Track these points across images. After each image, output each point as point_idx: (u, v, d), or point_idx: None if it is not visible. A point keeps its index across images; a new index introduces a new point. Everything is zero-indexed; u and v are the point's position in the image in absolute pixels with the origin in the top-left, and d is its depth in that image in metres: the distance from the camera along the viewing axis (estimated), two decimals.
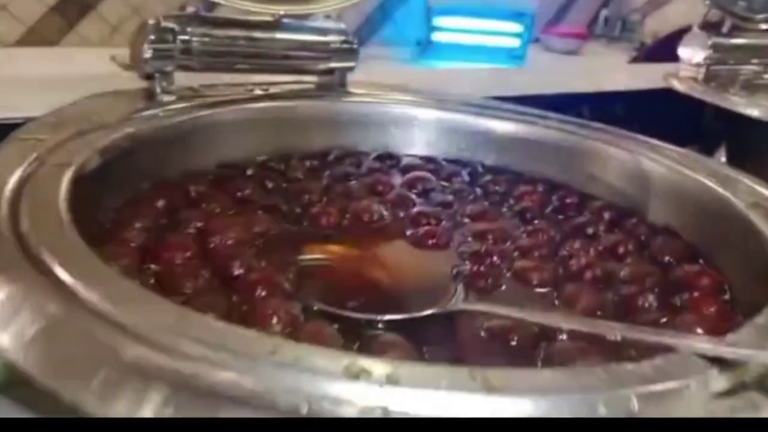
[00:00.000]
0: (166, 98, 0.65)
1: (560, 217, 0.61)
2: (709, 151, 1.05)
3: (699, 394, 0.28)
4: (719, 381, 0.29)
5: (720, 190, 0.55)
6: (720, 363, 0.30)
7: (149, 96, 0.66)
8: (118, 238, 0.48)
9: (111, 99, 0.64)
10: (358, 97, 0.77)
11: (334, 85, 0.77)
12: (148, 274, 0.44)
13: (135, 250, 0.47)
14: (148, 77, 0.65)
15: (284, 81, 0.75)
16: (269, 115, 0.70)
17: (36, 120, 0.55)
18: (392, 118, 0.75)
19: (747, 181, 0.55)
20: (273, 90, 0.73)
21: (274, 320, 0.39)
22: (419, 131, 0.75)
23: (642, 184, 0.63)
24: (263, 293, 0.42)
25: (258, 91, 0.72)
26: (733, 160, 1.01)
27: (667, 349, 0.30)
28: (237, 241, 0.49)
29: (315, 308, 0.42)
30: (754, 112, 0.93)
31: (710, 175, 0.57)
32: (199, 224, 0.51)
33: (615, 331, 0.34)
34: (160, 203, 0.55)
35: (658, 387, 0.28)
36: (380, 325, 0.41)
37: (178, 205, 0.55)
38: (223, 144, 0.66)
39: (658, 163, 0.62)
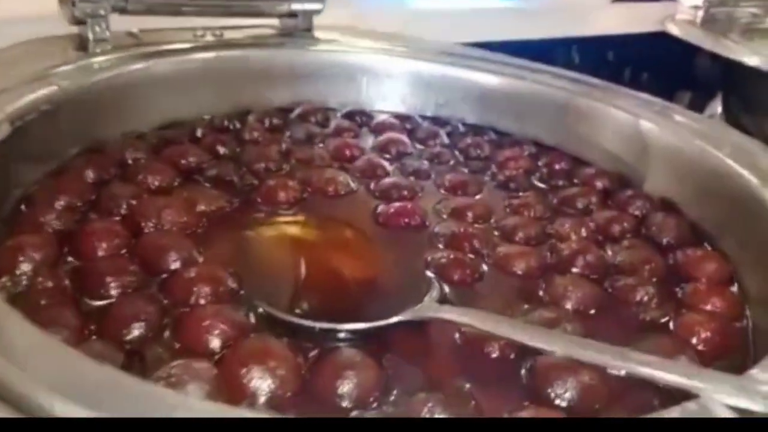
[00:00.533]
0: (100, 47, 0.56)
1: (548, 187, 0.55)
2: (702, 101, 0.99)
3: None
4: None
5: (731, 162, 0.48)
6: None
7: (81, 45, 0.57)
8: (33, 222, 0.41)
9: (35, 48, 0.55)
10: (325, 44, 0.68)
11: (298, 30, 0.69)
12: (66, 271, 0.37)
13: (52, 238, 0.39)
14: (78, 22, 0.56)
15: (240, 25, 0.66)
16: (222, 65, 0.62)
17: None
18: (363, 69, 0.67)
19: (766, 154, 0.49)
20: (227, 36, 0.65)
21: (212, 335, 0.33)
22: (393, 84, 0.67)
23: (640, 150, 0.56)
24: (201, 297, 0.36)
25: (209, 37, 0.63)
26: (729, 113, 0.95)
27: (684, 394, 0.25)
28: (175, 226, 0.42)
29: (260, 311, 0.35)
30: (753, 61, 0.85)
31: (721, 144, 0.50)
32: (133, 202, 0.44)
33: (617, 362, 0.28)
34: (89, 175, 0.47)
35: None
36: (340, 335, 0.35)
37: (111, 177, 0.48)
38: (167, 101, 0.58)
39: (660, 126, 0.55)
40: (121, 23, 0.59)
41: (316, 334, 0.34)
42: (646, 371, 0.26)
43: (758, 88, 0.86)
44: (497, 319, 0.33)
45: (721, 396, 0.24)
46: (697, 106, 0.94)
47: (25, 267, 0.36)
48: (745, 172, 0.47)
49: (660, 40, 0.92)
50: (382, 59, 0.67)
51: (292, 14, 0.68)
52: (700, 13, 0.94)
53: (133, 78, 0.55)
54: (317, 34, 0.69)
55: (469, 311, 0.35)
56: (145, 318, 0.33)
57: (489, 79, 0.65)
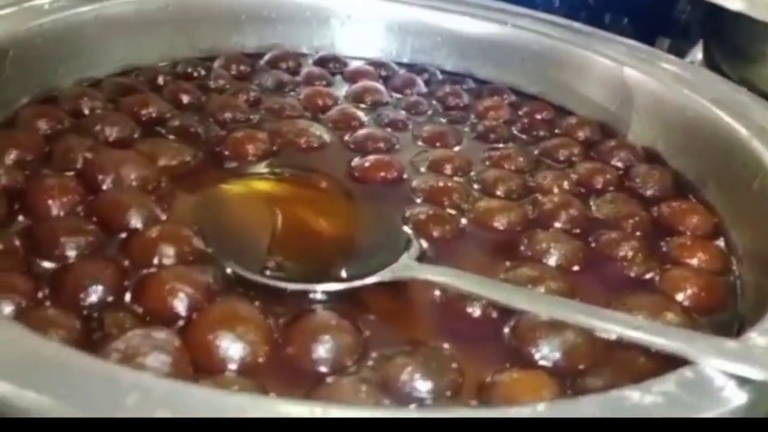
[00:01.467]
0: None
1: (529, 138, 0.53)
2: (683, 47, 0.97)
3: None
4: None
5: (718, 111, 0.47)
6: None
7: None
8: None
9: None
10: None
11: None
12: (16, 230, 0.35)
13: (1, 196, 0.36)
14: None
15: None
16: (185, 6, 0.58)
17: None
18: (337, 13, 0.63)
19: (757, 103, 0.47)
20: None
21: (176, 298, 0.30)
22: (368, 29, 0.63)
23: (624, 99, 0.54)
24: (165, 258, 0.33)
25: None
26: (710, 60, 0.93)
27: (678, 360, 0.23)
28: (135, 181, 0.39)
29: (228, 271, 0.33)
30: (736, 6, 0.83)
31: (708, 93, 0.49)
32: (89, 156, 0.41)
33: (607, 325, 0.26)
34: (41, 126, 0.44)
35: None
36: (315, 295, 0.33)
37: (66, 129, 0.45)
38: (125, 46, 0.53)
39: (645, 74, 0.53)
40: None
41: (288, 296, 0.33)
42: (637, 335, 0.25)
43: (741, 34, 0.84)
44: (479, 279, 0.32)
45: (718, 362, 0.23)
46: (678, 52, 0.92)
47: None
48: (733, 122, 0.45)
49: None
50: (356, 2, 0.63)
51: None
52: None
53: (86, 20, 0.51)
54: None
55: (449, 271, 0.33)
56: (104, 281, 0.31)
57: (468, 24, 0.62)
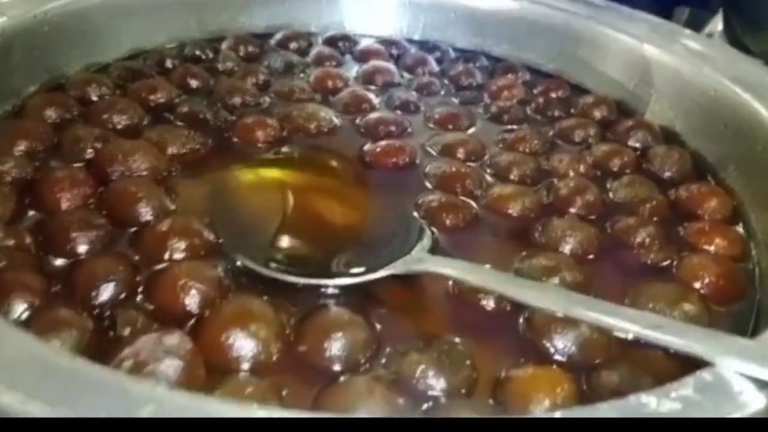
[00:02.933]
0: None
1: (544, 118, 0.52)
2: (701, 18, 0.94)
3: None
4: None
5: (739, 90, 0.45)
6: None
7: None
8: None
9: None
10: None
11: None
12: (27, 225, 0.35)
13: (11, 190, 0.36)
14: None
15: None
16: None
17: None
18: None
19: None
20: None
21: (188, 295, 0.30)
22: (378, 5, 0.62)
23: (643, 76, 0.52)
24: (176, 252, 0.33)
25: None
26: (730, 31, 0.91)
27: (696, 362, 0.23)
28: (145, 171, 0.39)
29: (239, 263, 0.33)
30: None
31: (729, 70, 0.47)
32: (98, 145, 0.41)
33: (624, 324, 0.26)
34: (50, 115, 0.44)
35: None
36: (327, 290, 0.33)
37: (74, 117, 0.44)
38: (132, 29, 0.53)
39: (665, 51, 0.51)
40: None
41: (300, 290, 0.32)
42: (655, 335, 0.24)
43: (761, 3, 0.81)
44: (493, 274, 0.31)
45: (736, 364, 0.22)
46: (697, 23, 0.89)
47: None
48: (755, 102, 0.44)
49: None
50: None
51: None
52: None
53: (92, 5, 0.50)
54: None
55: (462, 264, 0.32)
56: (116, 278, 0.31)
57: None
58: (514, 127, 0.49)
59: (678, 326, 0.25)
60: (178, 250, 0.33)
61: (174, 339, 0.25)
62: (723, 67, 0.48)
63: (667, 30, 0.54)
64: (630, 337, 0.26)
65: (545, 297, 0.29)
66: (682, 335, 0.24)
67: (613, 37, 0.55)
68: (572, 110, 0.53)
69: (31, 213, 0.36)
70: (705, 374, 0.22)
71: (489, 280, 0.31)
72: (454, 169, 0.43)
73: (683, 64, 0.50)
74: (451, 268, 0.32)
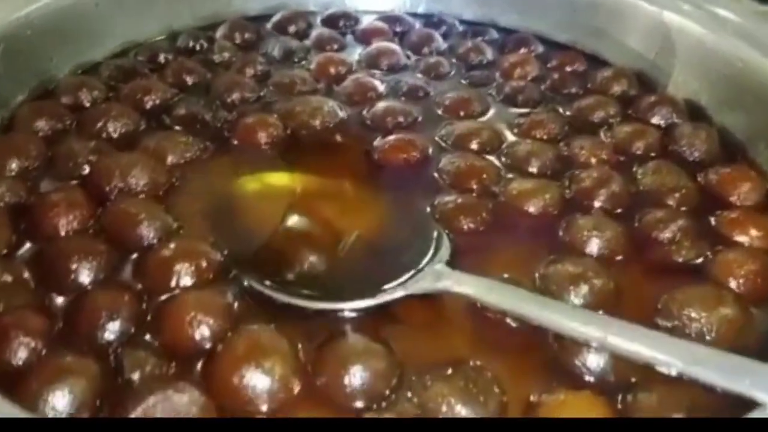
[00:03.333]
0: None
1: (560, 96, 0.49)
2: None
3: None
4: None
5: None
6: None
7: None
8: None
9: None
10: None
11: None
12: (24, 258, 0.33)
13: (5, 216, 0.34)
14: None
15: None
16: None
17: None
18: None
19: None
20: None
21: (198, 331, 0.29)
22: None
23: (664, 46, 0.49)
24: (182, 278, 0.31)
25: None
26: None
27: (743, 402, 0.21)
28: (144, 187, 0.37)
29: (246, 284, 0.31)
30: None
31: (760, 39, 0.44)
32: (93, 159, 0.38)
33: (670, 357, 0.24)
34: (41, 127, 0.41)
35: None
36: (343, 314, 0.31)
37: (66, 128, 0.42)
38: (121, 21, 0.50)
39: (687, 17, 0.48)
40: None
41: (314, 313, 0.31)
42: (699, 372, 0.23)
43: None
44: (519, 295, 0.30)
45: None
46: None
47: None
48: None
49: None
50: None
51: None
52: None
53: (77, 0, 0.47)
54: None
55: (483, 282, 0.30)
56: (120, 315, 0.29)
57: None
58: (529, 110, 0.46)
59: (725, 359, 0.23)
60: (184, 275, 0.32)
61: (184, 397, 0.23)
62: (751, 35, 0.45)
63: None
64: (673, 373, 0.24)
65: (579, 324, 0.27)
66: (731, 371, 0.22)
67: (631, 3, 0.51)
68: (590, 85, 0.50)
69: (28, 244, 0.34)
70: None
71: (514, 301, 0.29)
72: (469, 164, 0.40)
73: (707, 33, 0.47)
74: (471, 287, 0.30)
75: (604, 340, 0.25)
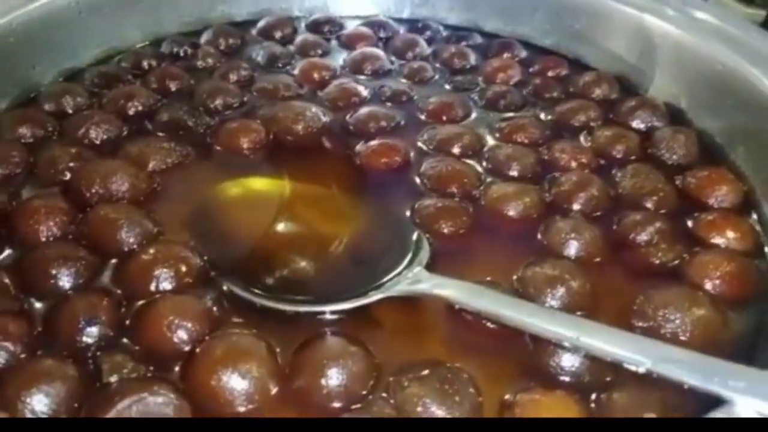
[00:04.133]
0: None
1: (542, 101, 0.49)
2: None
3: None
4: None
5: (750, 64, 0.42)
6: None
7: None
8: None
9: None
10: None
11: None
12: (5, 263, 0.33)
13: None
14: None
15: None
16: None
17: None
18: None
19: None
20: None
21: (176, 335, 0.29)
22: None
23: (645, 50, 0.50)
24: (162, 283, 0.31)
25: None
26: None
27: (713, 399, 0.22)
28: (125, 194, 0.37)
29: (225, 288, 0.32)
30: None
31: (740, 42, 0.44)
32: (74, 166, 0.39)
33: (639, 356, 0.24)
34: (24, 134, 0.42)
35: None
36: (322, 316, 0.31)
37: (48, 134, 0.42)
38: (104, 27, 0.50)
39: (668, 21, 0.48)
40: None
41: (293, 316, 0.31)
42: (669, 370, 0.23)
43: None
44: (496, 298, 0.30)
45: (756, 403, 0.21)
46: None
47: None
48: (765, 77, 0.41)
49: None
50: None
51: None
52: None
53: (59, 7, 0.47)
54: None
55: (462, 285, 0.31)
56: (99, 319, 0.30)
57: None
58: (512, 114, 0.47)
59: (694, 358, 0.24)
60: (164, 279, 0.32)
61: (158, 398, 0.24)
62: (730, 38, 0.45)
63: (681, 5, 0.50)
64: (642, 370, 0.24)
65: (553, 325, 0.27)
66: (699, 370, 0.23)
67: (612, 7, 0.52)
68: (571, 89, 0.50)
69: (8, 250, 0.34)
70: (720, 413, 0.21)
71: (490, 304, 0.29)
72: (449, 168, 0.40)
73: (688, 36, 0.47)
74: (450, 290, 0.31)
75: (576, 340, 0.26)
